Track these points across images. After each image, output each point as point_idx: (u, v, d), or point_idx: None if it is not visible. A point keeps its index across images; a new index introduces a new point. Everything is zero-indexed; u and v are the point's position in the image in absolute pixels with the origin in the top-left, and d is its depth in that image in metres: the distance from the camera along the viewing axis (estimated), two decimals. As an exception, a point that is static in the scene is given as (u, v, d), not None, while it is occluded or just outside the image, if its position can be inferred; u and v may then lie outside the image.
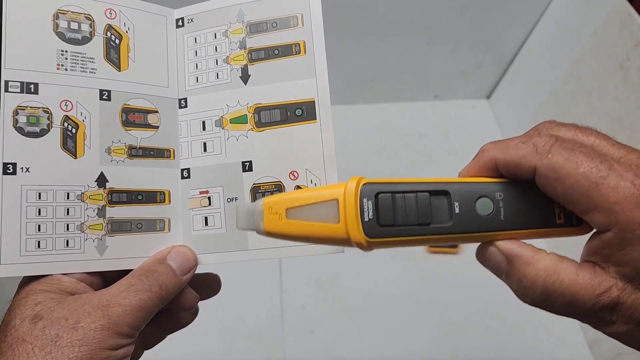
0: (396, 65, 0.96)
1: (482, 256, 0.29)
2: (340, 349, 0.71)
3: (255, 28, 0.38)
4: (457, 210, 0.27)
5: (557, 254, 0.26)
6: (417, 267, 0.80)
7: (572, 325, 0.73)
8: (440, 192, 0.28)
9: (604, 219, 0.24)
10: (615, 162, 0.24)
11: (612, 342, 0.77)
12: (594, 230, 0.26)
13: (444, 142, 0.97)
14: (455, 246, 0.81)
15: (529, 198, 0.27)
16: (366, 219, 0.27)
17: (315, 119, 0.36)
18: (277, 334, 0.72)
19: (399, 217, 0.27)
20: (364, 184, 0.27)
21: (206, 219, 0.37)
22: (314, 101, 0.37)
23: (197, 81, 0.39)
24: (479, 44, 0.93)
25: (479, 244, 0.29)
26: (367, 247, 0.28)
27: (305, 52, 0.37)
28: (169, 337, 0.39)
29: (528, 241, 0.27)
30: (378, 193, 0.27)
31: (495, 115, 1.01)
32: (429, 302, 0.77)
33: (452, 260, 0.81)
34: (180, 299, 0.36)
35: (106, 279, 0.36)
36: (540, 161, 0.25)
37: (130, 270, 0.35)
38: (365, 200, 0.27)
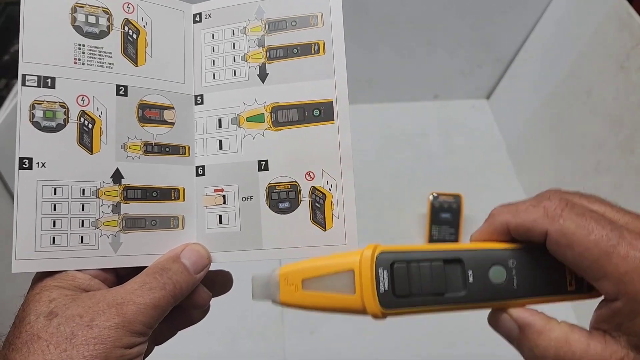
0: (396, 65, 0.96)
1: (494, 323, 0.29)
2: (340, 349, 0.71)
3: (275, 26, 0.38)
4: (470, 280, 0.28)
5: (569, 323, 0.27)
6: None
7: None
8: (454, 260, 0.28)
9: (613, 288, 0.24)
10: (625, 230, 0.25)
11: None
12: (603, 297, 0.26)
13: (444, 142, 0.97)
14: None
15: (541, 265, 0.27)
16: (382, 290, 0.27)
17: (333, 120, 0.36)
18: (278, 334, 0.72)
19: (414, 287, 0.27)
20: (380, 253, 0.28)
21: (220, 217, 0.37)
22: (332, 102, 0.36)
23: (214, 78, 0.38)
24: (479, 44, 0.93)
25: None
26: (382, 317, 0.28)
27: (324, 52, 0.37)
28: (169, 336, 0.39)
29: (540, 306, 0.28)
30: (393, 262, 0.28)
31: (495, 115, 1.01)
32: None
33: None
34: (193, 296, 0.36)
35: (119, 275, 0.36)
36: (552, 226, 0.26)
37: (144, 267, 0.34)
38: (381, 270, 0.27)
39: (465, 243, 0.29)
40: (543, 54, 0.88)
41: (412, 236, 0.84)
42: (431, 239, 0.82)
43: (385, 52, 0.93)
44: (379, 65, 0.95)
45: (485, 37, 0.92)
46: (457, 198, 0.82)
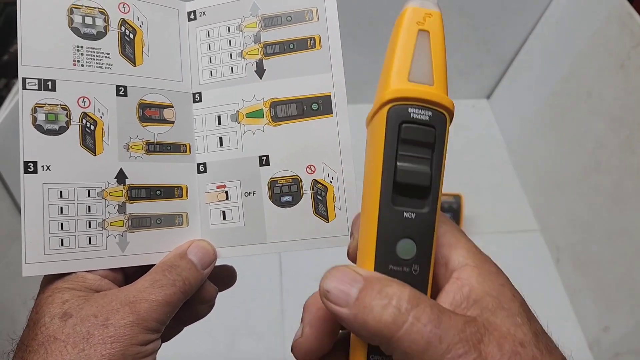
0: (396, 66, 0.96)
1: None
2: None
3: (270, 22, 0.38)
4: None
5: None
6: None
7: (572, 325, 0.74)
8: None
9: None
10: None
11: (612, 342, 0.79)
12: None
13: (443, 142, 0.97)
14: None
15: None
16: None
17: (332, 113, 0.37)
18: (278, 334, 0.73)
19: None
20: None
21: (224, 213, 0.38)
22: (330, 95, 0.37)
23: (212, 75, 0.39)
24: (479, 44, 0.93)
25: None
26: None
27: (320, 46, 0.37)
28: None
29: None
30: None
31: (495, 115, 1.01)
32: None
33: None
34: (200, 292, 0.36)
35: (127, 274, 0.36)
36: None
37: (152, 265, 0.35)
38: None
39: None
40: (543, 54, 0.89)
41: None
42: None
43: (385, 52, 0.93)
44: (379, 65, 0.95)
45: (485, 37, 0.92)
46: (457, 198, 0.83)
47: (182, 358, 0.68)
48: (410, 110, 0.24)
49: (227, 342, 0.72)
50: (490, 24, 0.90)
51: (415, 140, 0.24)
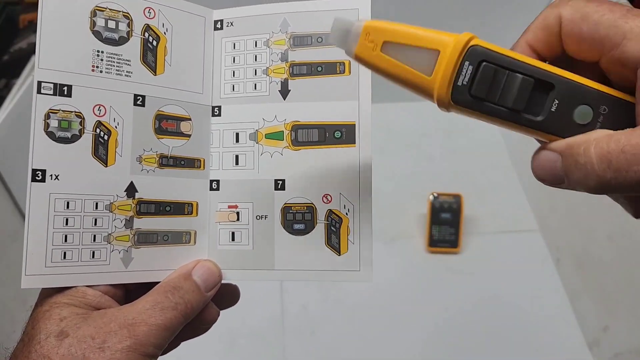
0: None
1: (536, 164, 0.27)
2: (340, 349, 0.72)
3: (300, 41, 0.37)
4: (553, 108, 0.25)
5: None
6: (417, 267, 0.81)
7: (572, 325, 0.74)
8: (545, 83, 0.25)
9: (637, 45, 0.23)
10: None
11: (612, 342, 0.79)
12: None
13: (444, 142, 0.96)
14: (455, 246, 0.81)
15: (630, 123, 0.25)
16: (460, 83, 0.25)
17: (354, 143, 0.35)
18: (278, 335, 0.73)
19: (493, 94, 0.25)
20: (473, 46, 0.25)
21: (233, 234, 0.36)
22: (354, 125, 0.35)
23: (233, 90, 0.37)
24: None
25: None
26: (447, 108, 0.26)
27: (349, 72, 0.36)
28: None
29: None
30: (482, 61, 0.25)
31: None
32: (429, 302, 0.77)
33: (452, 260, 0.82)
34: (202, 313, 0.35)
35: (128, 289, 0.35)
36: (563, 8, 0.25)
37: (155, 283, 0.34)
38: (467, 63, 0.25)
39: (561, 69, 0.26)
40: None
41: (412, 236, 0.84)
42: (431, 240, 0.82)
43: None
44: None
45: (485, 37, 0.91)
46: (457, 198, 0.83)
47: (182, 358, 0.67)
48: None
49: (227, 342, 0.72)
50: (490, 23, 0.88)
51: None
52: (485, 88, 0.25)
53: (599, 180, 0.23)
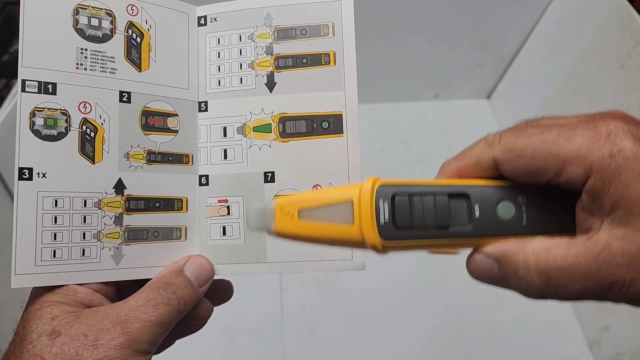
0: (396, 65, 0.95)
1: (473, 269, 0.27)
2: (340, 348, 0.72)
3: (284, 34, 0.37)
4: (477, 214, 0.26)
5: (547, 237, 0.25)
6: (416, 267, 0.81)
7: (572, 325, 0.74)
8: (459, 195, 0.27)
9: (578, 168, 0.23)
10: (561, 121, 0.25)
11: (612, 342, 0.79)
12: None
13: (444, 142, 0.96)
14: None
15: (551, 203, 0.26)
16: (382, 221, 0.26)
17: (342, 133, 0.36)
18: (277, 333, 0.72)
19: (417, 219, 0.26)
20: (380, 186, 0.26)
21: (224, 228, 0.36)
22: (341, 114, 0.36)
23: (219, 85, 0.37)
24: (479, 43, 0.93)
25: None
26: (382, 250, 0.27)
27: (335, 63, 0.36)
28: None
29: None
30: (394, 195, 0.26)
31: (495, 115, 1.00)
32: (429, 302, 0.77)
33: (452, 260, 0.81)
34: (195, 310, 0.35)
35: (119, 286, 0.35)
36: (495, 150, 0.26)
37: (146, 279, 0.34)
38: (381, 201, 0.26)
39: (469, 179, 0.27)
40: (543, 54, 0.88)
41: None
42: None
43: (385, 51, 0.92)
44: (379, 64, 0.94)
45: (486, 37, 0.92)
46: None
47: (182, 358, 0.67)
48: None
49: (226, 340, 0.72)
50: (491, 23, 0.89)
51: None
52: (407, 215, 0.26)
53: (539, 293, 0.24)
